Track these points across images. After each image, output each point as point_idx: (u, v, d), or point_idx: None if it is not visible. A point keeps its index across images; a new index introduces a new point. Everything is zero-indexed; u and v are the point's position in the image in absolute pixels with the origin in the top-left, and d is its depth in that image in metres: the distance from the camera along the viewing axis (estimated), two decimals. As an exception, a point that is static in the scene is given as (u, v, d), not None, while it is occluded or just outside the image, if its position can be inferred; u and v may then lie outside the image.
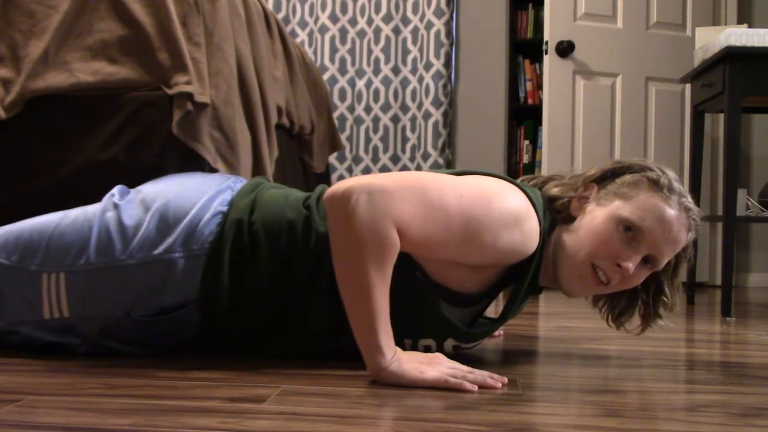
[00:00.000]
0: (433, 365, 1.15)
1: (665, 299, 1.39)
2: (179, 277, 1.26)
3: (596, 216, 1.29)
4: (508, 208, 1.20)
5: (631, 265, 1.25)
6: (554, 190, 1.35)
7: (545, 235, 1.29)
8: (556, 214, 1.34)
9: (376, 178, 1.15)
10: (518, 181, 1.42)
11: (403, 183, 1.16)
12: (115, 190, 1.36)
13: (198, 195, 1.32)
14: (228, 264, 1.27)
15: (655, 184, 1.29)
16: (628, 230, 1.26)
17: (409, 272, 1.23)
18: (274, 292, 1.28)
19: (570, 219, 1.32)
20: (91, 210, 1.33)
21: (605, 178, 1.35)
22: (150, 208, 1.29)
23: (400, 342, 1.20)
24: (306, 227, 1.28)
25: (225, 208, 1.31)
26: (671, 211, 1.26)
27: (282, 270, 1.28)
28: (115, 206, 1.31)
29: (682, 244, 1.30)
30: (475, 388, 1.12)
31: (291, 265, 1.28)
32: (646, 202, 1.27)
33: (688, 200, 1.30)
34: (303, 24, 3.89)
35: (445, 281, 1.26)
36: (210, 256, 1.27)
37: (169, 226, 1.27)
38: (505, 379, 1.18)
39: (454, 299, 1.28)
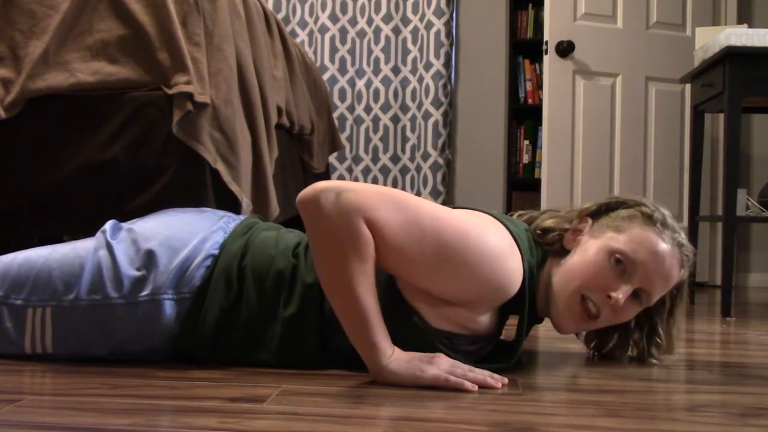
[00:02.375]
0: (433, 364, 1.15)
1: (658, 340, 1.39)
2: (167, 319, 1.25)
3: (589, 247, 1.29)
4: (487, 245, 1.18)
5: (621, 297, 1.24)
6: (548, 222, 1.35)
7: (534, 269, 1.28)
8: (548, 247, 1.33)
9: (347, 182, 1.15)
10: (514, 215, 1.42)
11: (376, 189, 1.16)
12: (107, 226, 1.34)
13: (190, 236, 1.31)
14: (215, 308, 1.26)
15: (649, 218, 1.29)
16: (620, 262, 1.25)
17: (407, 317, 1.21)
18: (261, 334, 1.28)
19: (563, 252, 1.32)
20: (81, 246, 1.31)
21: (600, 212, 1.35)
22: (141, 249, 1.28)
23: None
24: (292, 277, 1.28)
25: (216, 252, 1.30)
26: (664, 245, 1.27)
27: (270, 315, 1.28)
28: (108, 244, 1.29)
29: (674, 279, 1.30)
30: (475, 387, 1.12)
31: (278, 312, 1.27)
32: (639, 235, 1.27)
33: (681, 236, 1.30)
34: (303, 24, 3.89)
35: (444, 324, 1.23)
36: (198, 299, 1.26)
37: (160, 268, 1.26)
38: (505, 380, 1.18)
39: (455, 342, 1.25)
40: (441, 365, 1.15)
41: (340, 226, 1.11)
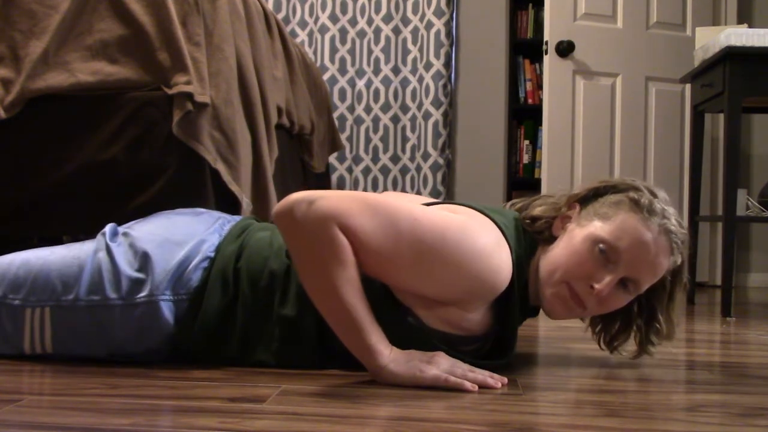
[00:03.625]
0: (433, 363, 1.14)
1: (658, 326, 1.36)
2: (164, 320, 1.25)
3: (574, 236, 1.27)
4: (468, 241, 1.16)
5: (604, 287, 1.23)
6: (537, 210, 1.34)
7: (522, 260, 1.27)
8: (537, 235, 1.32)
9: (320, 191, 1.14)
10: (507, 205, 1.41)
11: (350, 195, 1.14)
12: (107, 229, 1.34)
13: (187, 238, 1.31)
14: (212, 309, 1.27)
15: (636, 205, 1.26)
16: (604, 252, 1.24)
17: (402, 318, 1.20)
18: (259, 335, 1.28)
19: (552, 239, 1.31)
20: (80, 248, 1.32)
21: (589, 198, 1.33)
22: (138, 251, 1.28)
23: None
24: (286, 276, 1.28)
25: (212, 254, 1.31)
26: (648, 234, 1.24)
27: (267, 316, 1.28)
28: (107, 247, 1.29)
29: (662, 267, 1.27)
30: (475, 387, 1.12)
31: (275, 313, 1.27)
32: (624, 223, 1.25)
33: (671, 222, 1.27)
34: (303, 24, 3.89)
35: (440, 325, 1.22)
36: (195, 301, 1.26)
37: (157, 270, 1.26)
38: (505, 380, 1.18)
39: (453, 343, 1.24)
40: (441, 365, 1.15)
41: (315, 235, 1.10)
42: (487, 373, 1.17)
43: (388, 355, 1.14)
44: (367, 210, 1.13)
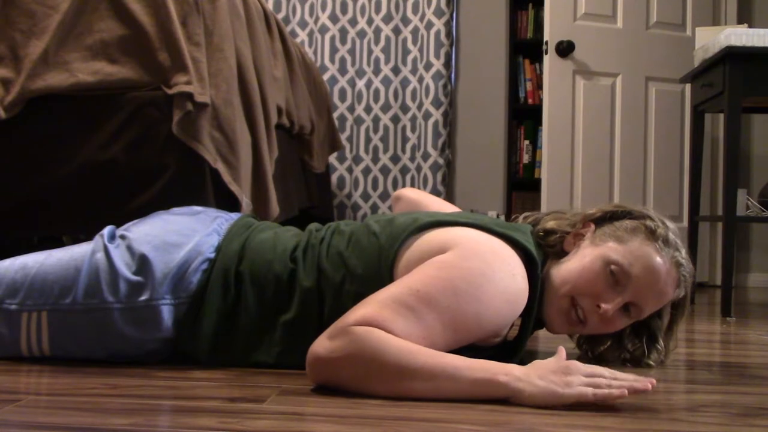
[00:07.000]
0: (572, 375, 1.04)
1: (659, 348, 1.37)
2: (164, 324, 1.24)
3: (587, 254, 1.28)
4: (486, 304, 1.14)
5: (610, 308, 1.24)
6: (551, 223, 1.35)
7: (540, 274, 1.27)
8: (548, 249, 1.33)
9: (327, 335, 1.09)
10: (519, 218, 1.42)
11: (349, 317, 1.08)
12: (105, 231, 1.33)
13: (185, 240, 1.30)
14: (213, 312, 1.26)
15: (651, 234, 1.28)
16: (615, 274, 1.25)
17: None
18: (260, 339, 1.27)
19: (562, 254, 1.32)
20: (77, 250, 1.30)
21: (604, 220, 1.34)
22: (136, 254, 1.26)
23: None
24: (291, 281, 1.27)
25: (212, 255, 1.29)
26: (661, 263, 1.25)
27: (269, 320, 1.27)
28: (105, 248, 1.27)
29: (668, 297, 1.29)
30: (625, 393, 1.01)
31: (277, 317, 1.27)
32: (639, 249, 1.26)
33: (682, 255, 1.29)
34: (303, 24, 3.89)
35: None
36: (195, 304, 1.25)
37: (157, 273, 1.24)
38: (654, 381, 1.04)
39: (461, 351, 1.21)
40: (580, 376, 1.04)
41: (347, 350, 1.04)
42: (631, 377, 1.05)
43: (515, 378, 1.04)
44: (374, 305, 1.09)
